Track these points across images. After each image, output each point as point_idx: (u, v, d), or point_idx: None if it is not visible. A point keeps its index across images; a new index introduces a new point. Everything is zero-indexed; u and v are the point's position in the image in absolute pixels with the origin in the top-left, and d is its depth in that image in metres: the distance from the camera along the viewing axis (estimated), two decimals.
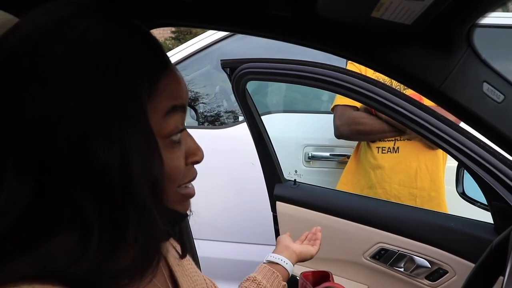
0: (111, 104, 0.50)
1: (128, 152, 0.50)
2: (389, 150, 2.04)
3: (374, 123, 2.01)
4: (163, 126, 0.56)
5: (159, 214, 0.54)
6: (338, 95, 2.13)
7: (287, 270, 1.10)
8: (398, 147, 2.03)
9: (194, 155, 0.63)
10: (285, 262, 1.10)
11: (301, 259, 1.17)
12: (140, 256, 0.52)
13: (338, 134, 2.15)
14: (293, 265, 1.13)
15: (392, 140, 2.04)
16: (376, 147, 2.06)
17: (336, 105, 2.14)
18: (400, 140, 2.03)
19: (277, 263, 1.09)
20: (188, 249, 0.79)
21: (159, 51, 0.57)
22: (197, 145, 0.64)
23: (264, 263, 1.11)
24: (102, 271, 0.49)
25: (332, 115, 2.18)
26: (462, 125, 1.21)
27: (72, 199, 0.49)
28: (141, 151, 0.51)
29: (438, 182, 2.01)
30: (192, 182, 0.67)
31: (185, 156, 0.61)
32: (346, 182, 2.18)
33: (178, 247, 0.79)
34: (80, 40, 0.50)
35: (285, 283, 1.08)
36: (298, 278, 1.31)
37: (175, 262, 0.76)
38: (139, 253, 0.52)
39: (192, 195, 0.66)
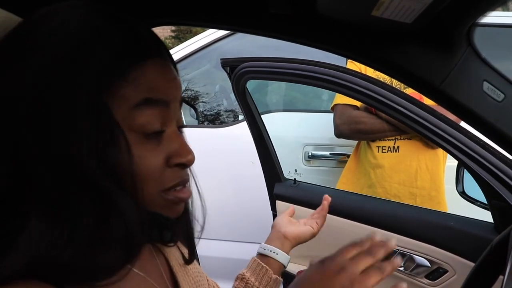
0: (67, 90, 0.50)
1: (85, 140, 0.50)
2: (389, 149, 2.04)
3: (374, 122, 2.01)
4: (132, 118, 0.54)
5: (133, 214, 0.53)
6: (338, 94, 2.13)
7: (279, 261, 1.02)
8: (398, 146, 2.03)
9: (180, 156, 0.59)
10: (275, 253, 1.02)
11: (299, 242, 1.08)
12: (111, 255, 0.52)
13: (338, 133, 2.15)
14: (288, 252, 1.05)
15: (392, 139, 2.04)
16: (376, 146, 2.05)
17: (336, 104, 2.13)
18: (400, 139, 2.02)
19: (266, 255, 1.02)
20: (196, 255, 0.77)
21: (140, 41, 0.56)
22: (185, 147, 0.60)
23: (255, 256, 1.05)
24: (72, 263, 0.49)
25: (332, 114, 2.18)
26: (462, 124, 1.21)
27: (39, 188, 0.49)
28: (100, 141, 0.51)
29: (438, 182, 2.01)
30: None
31: (167, 156, 0.58)
32: (346, 181, 2.18)
33: (184, 248, 0.79)
34: (53, 30, 0.52)
35: (276, 276, 1.01)
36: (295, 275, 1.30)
37: (177, 263, 0.75)
38: (110, 251, 0.52)
39: (181, 199, 0.62)
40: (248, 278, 0.98)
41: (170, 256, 0.74)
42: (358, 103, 2.07)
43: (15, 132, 0.50)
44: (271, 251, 1.03)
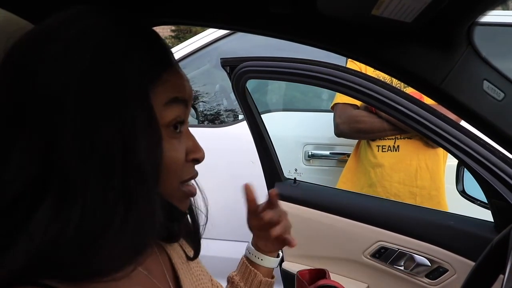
0: (114, 89, 0.53)
1: (130, 130, 0.53)
2: (389, 148, 2.04)
3: (374, 121, 2.01)
4: (164, 114, 0.58)
5: (156, 204, 0.55)
6: (338, 93, 2.13)
7: (266, 267, 0.97)
8: (398, 146, 2.03)
9: (195, 152, 0.65)
10: (261, 259, 0.97)
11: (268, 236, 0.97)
12: (126, 246, 0.52)
13: (338, 132, 2.14)
14: (277, 252, 1.00)
15: (392, 139, 2.04)
16: (376, 146, 2.05)
17: (336, 103, 2.13)
18: (400, 138, 2.02)
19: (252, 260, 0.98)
20: (199, 251, 0.78)
21: (163, 48, 0.62)
22: (198, 145, 0.66)
23: (244, 256, 1.00)
24: (85, 257, 0.50)
25: (332, 113, 2.18)
26: (462, 123, 1.21)
27: (68, 170, 0.50)
28: (143, 132, 0.54)
29: (438, 181, 2.01)
30: (192, 181, 0.67)
31: (186, 151, 0.63)
32: (346, 181, 2.18)
33: (186, 247, 0.79)
34: (82, 37, 0.54)
35: (266, 279, 0.96)
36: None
37: (180, 261, 0.75)
38: (125, 242, 0.52)
39: (193, 194, 0.67)
40: (238, 282, 0.96)
41: (173, 254, 0.75)
42: (358, 102, 2.07)
43: (57, 122, 0.51)
44: (256, 256, 0.98)
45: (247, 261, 0.99)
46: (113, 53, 0.54)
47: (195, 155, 0.65)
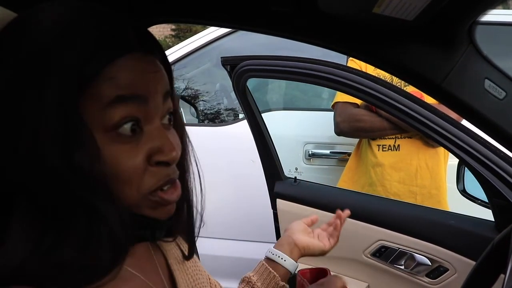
0: (35, 90, 0.49)
1: (52, 141, 0.49)
2: (389, 148, 2.04)
3: (375, 120, 2.01)
4: (105, 117, 0.51)
5: (114, 217, 0.52)
6: (338, 92, 2.12)
7: (286, 268, 0.99)
8: (398, 145, 2.02)
9: (160, 154, 0.56)
10: (283, 259, 0.99)
11: (307, 254, 1.05)
12: (99, 256, 0.51)
13: (338, 131, 2.14)
14: (297, 260, 1.02)
15: (392, 138, 2.03)
16: (377, 145, 2.05)
17: (336, 102, 2.13)
18: (401, 138, 2.02)
19: (274, 261, 0.99)
20: (195, 251, 0.76)
21: (116, 36, 0.53)
22: (168, 144, 0.56)
23: (263, 260, 1.01)
24: (58, 267, 0.49)
25: (333, 112, 2.18)
26: (463, 122, 1.20)
27: (19, 193, 0.50)
28: (68, 142, 0.49)
29: (438, 180, 2.01)
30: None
31: (147, 155, 0.55)
32: (347, 180, 2.18)
33: (184, 246, 0.77)
34: (28, 29, 0.51)
35: (283, 283, 0.98)
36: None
37: (176, 261, 0.73)
38: (97, 252, 0.51)
39: (168, 201, 0.58)
40: (255, 282, 0.95)
41: (168, 254, 0.73)
42: (358, 101, 2.06)
43: None
44: (279, 256, 1.00)
45: (267, 263, 0.99)
46: (42, 46, 0.50)
47: (161, 157, 0.55)
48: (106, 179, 0.51)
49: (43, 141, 0.48)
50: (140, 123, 0.54)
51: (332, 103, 2.17)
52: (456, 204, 1.89)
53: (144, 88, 0.54)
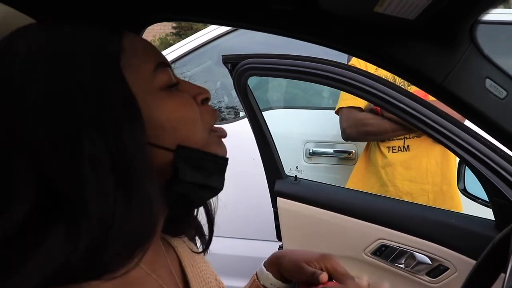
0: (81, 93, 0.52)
1: (112, 129, 0.52)
2: (399, 149, 2.04)
3: (381, 123, 2.00)
4: (157, 78, 0.59)
5: (154, 195, 0.54)
6: (341, 97, 2.12)
7: None
8: (408, 145, 2.02)
9: (200, 94, 0.65)
10: (277, 287, 0.87)
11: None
12: (130, 240, 0.52)
13: (346, 137, 2.15)
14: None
15: (401, 139, 2.03)
16: (386, 147, 2.05)
17: (340, 108, 2.13)
18: (410, 138, 2.02)
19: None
20: (209, 244, 0.77)
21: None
22: (196, 86, 0.66)
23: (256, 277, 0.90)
24: (95, 260, 0.49)
25: (333, 111, 2.18)
26: (465, 121, 1.20)
27: (62, 190, 0.49)
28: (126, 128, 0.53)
29: (449, 176, 2.01)
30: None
31: (193, 98, 0.64)
32: (356, 181, 2.18)
33: (190, 245, 0.78)
34: (41, 43, 0.54)
35: None
36: None
37: (190, 263, 0.74)
38: (129, 238, 0.52)
39: (224, 135, 0.69)
40: None
41: (182, 254, 0.73)
42: (362, 105, 2.06)
43: (36, 147, 0.50)
44: (272, 284, 0.87)
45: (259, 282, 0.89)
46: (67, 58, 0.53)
47: (202, 96, 0.65)
48: (178, 124, 0.59)
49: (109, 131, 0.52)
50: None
51: (336, 109, 2.16)
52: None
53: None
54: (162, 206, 0.60)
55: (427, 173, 2.00)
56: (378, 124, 2.02)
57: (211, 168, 0.63)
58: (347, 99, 2.08)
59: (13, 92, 0.50)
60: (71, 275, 0.49)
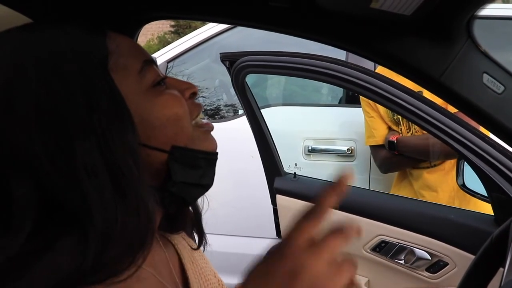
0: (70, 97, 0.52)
1: (105, 134, 0.52)
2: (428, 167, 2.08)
3: (403, 161, 2.08)
4: (143, 79, 0.59)
5: (148, 196, 0.54)
6: (365, 133, 2.21)
7: None
8: (434, 164, 2.05)
9: (187, 88, 0.65)
10: None
11: None
12: (130, 243, 0.52)
13: (383, 172, 2.26)
14: None
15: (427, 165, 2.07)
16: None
17: (369, 145, 2.21)
18: (433, 166, 2.05)
19: None
20: (204, 240, 0.76)
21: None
22: (184, 82, 0.66)
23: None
24: (99, 265, 0.49)
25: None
26: (462, 116, 1.20)
27: (64, 201, 0.49)
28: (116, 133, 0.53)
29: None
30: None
31: (180, 93, 0.63)
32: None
33: (189, 241, 0.78)
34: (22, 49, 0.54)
35: None
36: None
37: (189, 260, 0.74)
38: (129, 240, 0.52)
39: (211, 127, 0.68)
40: None
41: (182, 252, 0.73)
42: (381, 140, 2.13)
43: (31, 157, 0.50)
44: None
45: None
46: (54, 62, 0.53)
47: (189, 90, 0.65)
48: (169, 121, 0.59)
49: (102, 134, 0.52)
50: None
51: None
52: None
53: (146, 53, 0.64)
54: (157, 206, 0.60)
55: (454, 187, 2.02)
56: (400, 162, 2.10)
57: (203, 165, 0.64)
58: (369, 137, 2.17)
59: (2, 106, 0.50)
60: (76, 282, 0.48)
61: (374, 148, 2.19)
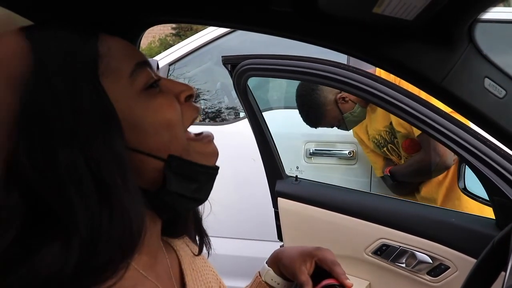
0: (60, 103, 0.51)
1: (88, 143, 0.51)
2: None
3: (408, 185, 2.20)
4: (135, 83, 0.57)
5: (135, 199, 0.53)
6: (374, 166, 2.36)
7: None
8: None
9: (183, 91, 0.63)
10: (277, 283, 0.90)
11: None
12: (118, 248, 0.51)
13: (398, 195, 2.30)
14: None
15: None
16: None
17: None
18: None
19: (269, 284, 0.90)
20: (206, 246, 0.76)
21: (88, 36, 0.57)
22: (180, 83, 0.64)
23: (259, 277, 0.91)
24: (86, 270, 0.49)
25: None
26: (464, 120, 1.20)
27: (49, 205, 0.49)
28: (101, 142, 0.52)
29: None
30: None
31: (175, 96, 0.62)
32: None
33: (192, 246, 0.77)
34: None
35: None
36: None
37: (189, 266, 0.73)
38: (116, 244, 0.51)
39: (209, 136, 0.67)
40: None
41: (183, 258, 0.73)
42: (381, 171, 2.26)
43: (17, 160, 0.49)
44: (274, 281, 0.90)
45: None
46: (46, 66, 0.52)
47: (185, 93, 0.63)
48: (161, 125, 0.57)
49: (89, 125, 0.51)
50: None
51: None
52: None
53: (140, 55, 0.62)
54: (150, 212, 0.60)
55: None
56: (404, 187, 2.20)
57: (201, 179, 0.62)
58: (375, 169, 2.33)
59: None
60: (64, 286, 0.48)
61: (382, 178, 2.26)
